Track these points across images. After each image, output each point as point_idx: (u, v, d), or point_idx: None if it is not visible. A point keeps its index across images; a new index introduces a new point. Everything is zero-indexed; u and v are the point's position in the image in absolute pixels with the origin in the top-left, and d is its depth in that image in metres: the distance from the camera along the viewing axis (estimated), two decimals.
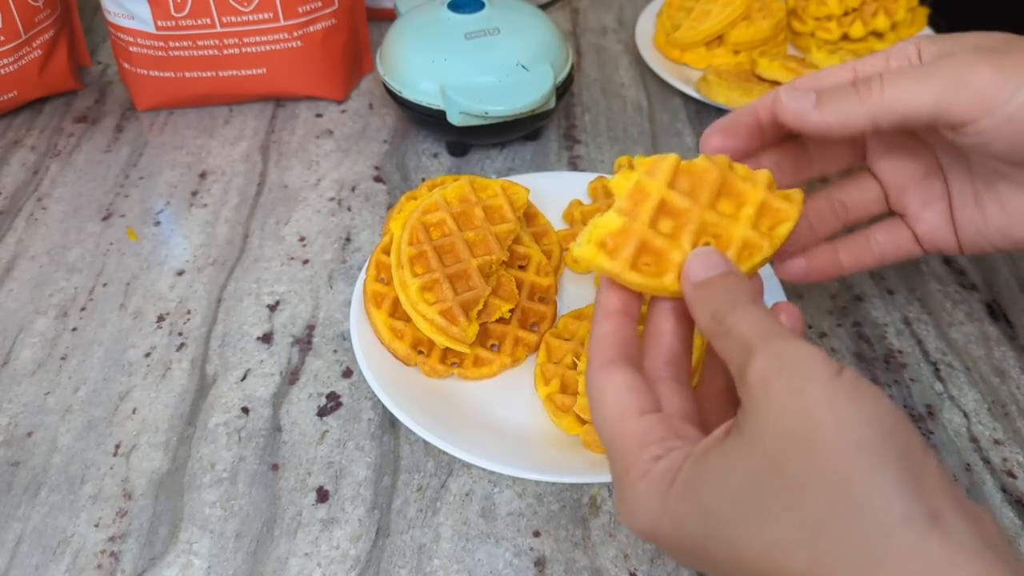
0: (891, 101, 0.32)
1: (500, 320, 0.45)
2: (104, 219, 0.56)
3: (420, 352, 0.44)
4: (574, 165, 0.60)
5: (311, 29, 0.62)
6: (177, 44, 0.61)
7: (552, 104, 0.57)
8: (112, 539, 0.39)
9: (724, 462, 0.25)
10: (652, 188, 0.31)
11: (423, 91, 0.57)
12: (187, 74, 0.63)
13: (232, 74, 0.63)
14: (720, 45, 0.68)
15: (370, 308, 0.45)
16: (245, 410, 0.44)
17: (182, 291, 0.51)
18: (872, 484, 0.22)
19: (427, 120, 0.58)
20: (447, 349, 0.44)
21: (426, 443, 0.42)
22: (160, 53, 0.61)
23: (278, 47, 0.62)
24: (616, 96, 0.67)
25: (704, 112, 0.65)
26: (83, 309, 0.50)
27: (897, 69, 0.33)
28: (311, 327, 0.48)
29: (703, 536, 0.25)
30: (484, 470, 0.41)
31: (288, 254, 0.53)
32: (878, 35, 0.69)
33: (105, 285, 0.51)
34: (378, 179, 0.59)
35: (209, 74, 0.63)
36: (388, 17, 0.73)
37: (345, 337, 0.48)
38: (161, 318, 0.49)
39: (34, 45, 0.62)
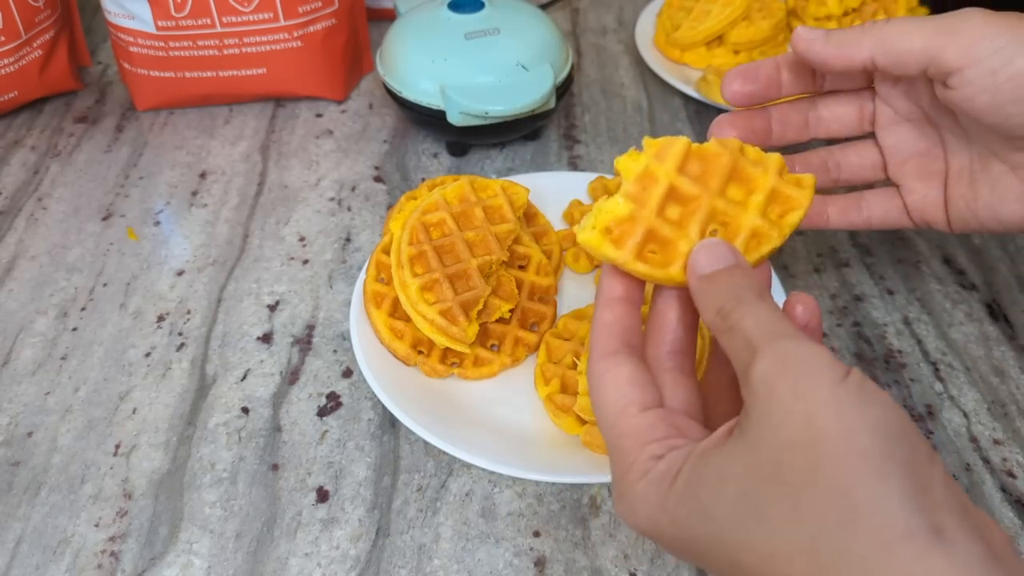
0: (887, 37, 0.34)
1: (500, 320, 0.45)
2: (104, 219, 0.56)
3: (420, 352, 0.44)
4: (574, 165, 0.60)
5: (311, 29, 0.62)
6: (177, 44, 0.61)
7: (552, 104, 0.57)
8: (112, 539, 0.39)
9: (725, 465, 0.24)
10: (661, 173, 0.30)
11: (423, 91, 0.57)
12: (187, 74, 0.63)
13: (232, 74, 0.63)
14: (720, 45, 0.68)
15: (370, 308, 0.45)
16: (245, 410, 0.44)
17: (182, 291, 0.51)
18: (874, 496, 0.21)
19: (427, 120, 0.58)
20: (447, 349, 0.44)
21: (426, 443, 0.42)
22: (160, 53, 0.61)
23: (278, 47, 0.62)
24: (616, 96, 0.67)
25: (704, 112, 0.65)
26: (83, 309, 0.50)
27: (900, 18, 0.36)
28: (311, 327, 0.48)
29: (702, 538, 0.24)
30: (484, 470, 0.41)
31: (288, 254, 0.53)
32: None
33: (105, 285, 0.51)
34: (378, 179, 0.59)
35: (209, 74, 0.63)
36: (388, 17, 0.73)
37: (345, 337, 0.48)
38: (161, 318, 0.49)
39: (34, 45, 0.62)
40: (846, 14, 0.69)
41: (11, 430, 0.43)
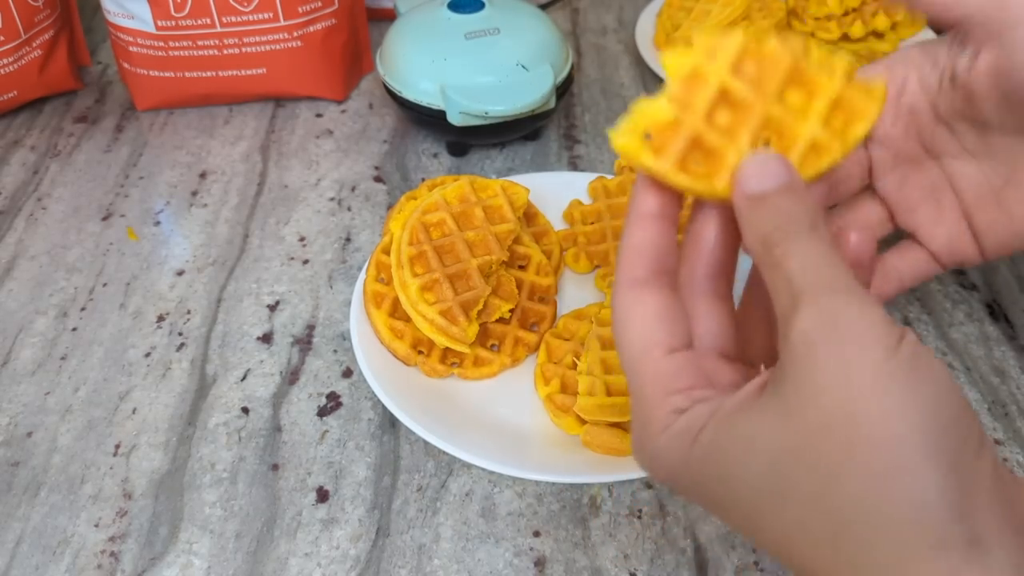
0: None
1: (500, 320, 0.45)
2: (104, 219, 0.56)
3: (420, 352, 0.44)
4: (574, 165, 0.60)
5: (311, 29, 0.62)
6: (177, 44, 0.61)
7: (552, 104, 0.57)
8: (112, 539, 0.39)
9: (752, 431, 0.22)
10: (712, 74, 0.26)
11: (423, 91, 0.57)
12: (187, 74, 0.63)
13: (232, 74, 0.63)
14: None
15: (370, 308, 0.45)
16: (245, 410, 0.44)
17: (182, 291, 0.51)
18: (910, 494, 0.19)
19: (427, 120, 0.58)
20: (447, 349, 0.44)
21: (426, 443, 0.42)
22: (160, 53, 0.61)
23: (278, 47, 0.62)
24: (616, 96, 0.67)
25: None
26: (83, 309, 0.50)
27: None
28: (311, 327, 0.48)
29: (722, 501, 0.23)
30: (484, 470, 0.41)
31: (288, 254, 0.53)
32: (878, 35, 0.69)
33: (105, 285, 0.51)
34: (378, 179, 0.59)
35: (209, 74, 0.63)
36: (388, 17, 0.73)
37: (345, 337, 0.48)
38: (161, 318, 0.49)
39: (34, 45, 0.62)
40: (846, 14, 0.69)
41: (11, 430, 0.43)
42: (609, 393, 0.40)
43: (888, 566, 0.19)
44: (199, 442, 0.43)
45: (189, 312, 0.49)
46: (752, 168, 0.25)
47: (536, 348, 0.45)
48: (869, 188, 0.37)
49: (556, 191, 0.54)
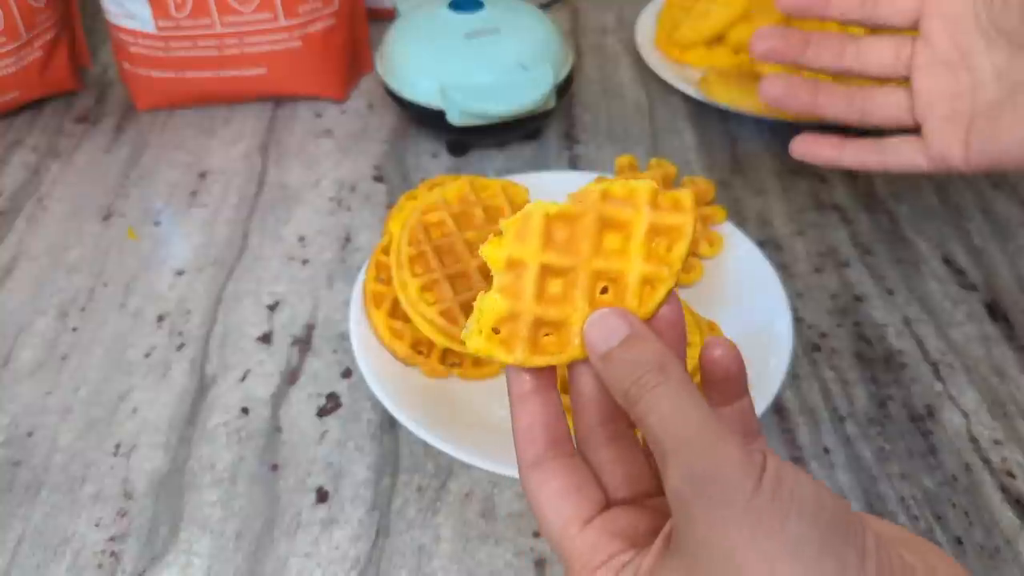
0: None
1: None
2: (104, 219, 0.56)
3: (420, 352, 0.44)
4: (574, 165, 0.60)
5: (311, 29, 0.62)
6: (177, 44, 0.61)
7: (552, 104, 0.57)
8: (112, 539, 0.39)
9: None
10: (527, 255, 0.27)
11: (423, 91, 0.57)
12: (187, 74, 0.63)
13: (232, 74, 0.63)
14: (720, 45, 0.68)
15: (370, 308, 0.45)
16: (245, 410, 0.44)
17: (182, 291, 0.51)
18: None
19: (427, 120, 0.58)
20: (447, 349, 0.44)
21: (426, 443, 0.42)
22: (160, 53, 0.62)
23: (278, 47, 0.62)
24: (616, 96, 0.67)
25: (704, 112, 0.65)
26: (83, 309, 0.50)
27: None
28: (311, 327, 0.48)
29: None
30: (484, 471, 0.41)
31: (288, 254, 0.53)
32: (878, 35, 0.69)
33: (105, 285, 0.51)
34: (378, 179, 0.59)
35: (209, 74, 0.63)
36: (388, 17, 0.73)
37: (345, 337, 0.48)
38: (161, 318, 0.49)
39: (35, 46, 0.62)
40: None
41: (11, 430, 0.43)
42: None
43: None
44: (199, 442, 0.43)
45: (189, 312, 0.49)
46: (594, 330, 0.26)
47: None
48: (907, 79, 0.43)
49: (556, 191, 0.53)
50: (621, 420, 0.28)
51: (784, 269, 0.51)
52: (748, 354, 0.42)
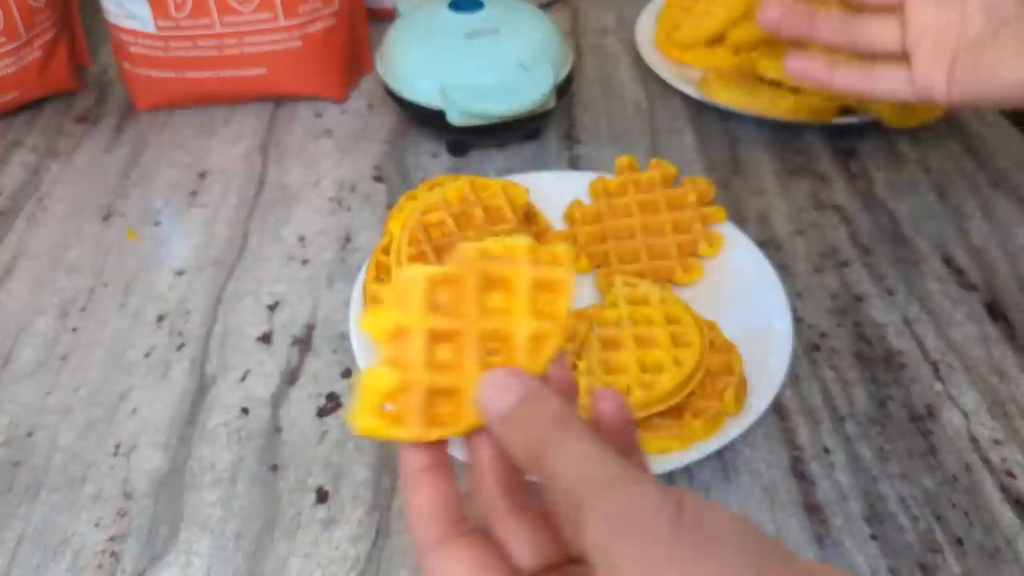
0: None
1: None
2: (104, 219, 0.56)
3: None
4: (574, 165, 0.60)
5: (311, 29, 0.62)
6: (177, 44, 0.61)
7: (552, 104, 0.57)
8: (112, 539, 0.39)
9: None
10: (412, 322, 0.26)
11: (423, 91, 0.57)
12: (187, 74, 0.63)
13: (232, 74, 0.63)
14: (720, 45, 0.68)
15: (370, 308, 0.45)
16: (245, 410, 0.44)
17: (182, 291, 0.51)
18: None
19: (427, 120, 0.58)
20: None
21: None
22: (160, 53, 0.62)
23: (278, 47, 0.62)
24: (616, 96, 0.67)
25: (704, 112, 0.65)
26: (83, 309, 0.50)
27: None
28: (311, 327, 0.48)
29: None
30: None
31: (288, 254, 0.53)
32: None
33: (105, 285, 0.51)
34: (378, 179, 0.59)
35: (209, 74, 0.63)
36: (388, 17, 0.73)
37: (345, 337, 0.48)
38: (161, 318, 0.49)
39: (35, 46, 0.62)
40: None
41: (11, 430, 0.43)
42: None
43: None
44: (199, 442, 0.43)
45: (189, 312, 0.49)
46: (487, 391, 0.25)
47: None
48: (901, 9, 0.45)
49: (556, 191, 0.54)
50: (521, 489, 0.27)
51: (784, 269, 0.51)
52: (748, 354, 0.43)
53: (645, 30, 0.72)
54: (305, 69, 0.63)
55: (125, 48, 0.62)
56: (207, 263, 0.53)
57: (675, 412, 0.41)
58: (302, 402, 0.44)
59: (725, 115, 0.64)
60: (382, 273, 0.46)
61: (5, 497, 0.40)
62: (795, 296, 0.49)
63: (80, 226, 0.56)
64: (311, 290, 0.51)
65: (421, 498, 0.26)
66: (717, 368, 0.42)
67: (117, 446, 0.43)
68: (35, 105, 0.66)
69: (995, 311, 0.49)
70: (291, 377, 0.46)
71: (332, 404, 0.44)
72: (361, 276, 0.47)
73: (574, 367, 0.43)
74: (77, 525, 0.39)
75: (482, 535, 0.26)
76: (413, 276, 0.27)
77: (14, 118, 0.65)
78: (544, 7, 0.76)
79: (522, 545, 0.26)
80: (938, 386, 0.45)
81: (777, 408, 0.44)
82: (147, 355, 0.47)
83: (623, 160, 0.55)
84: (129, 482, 0.41)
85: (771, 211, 0.56)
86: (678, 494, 0.21)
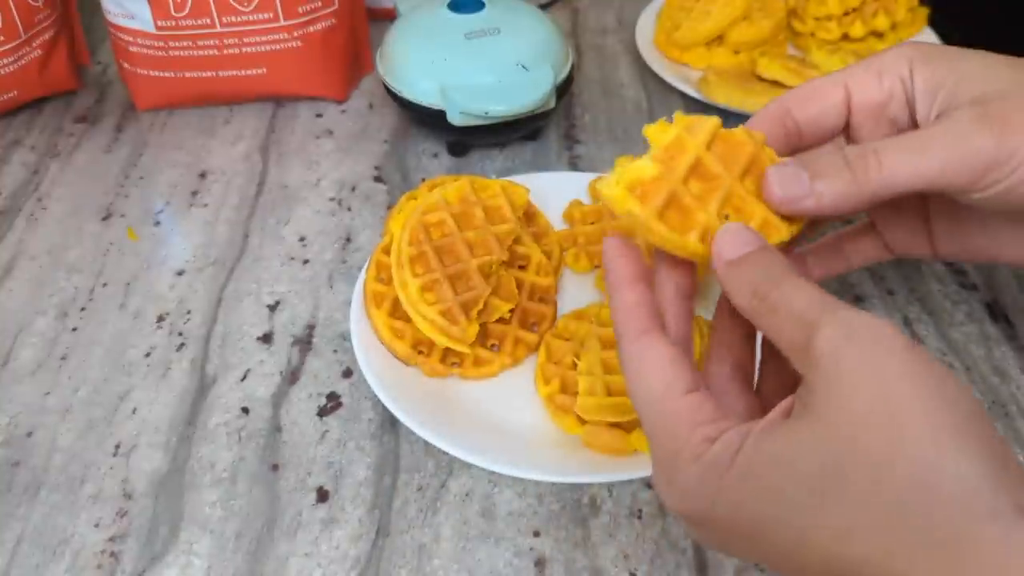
0: (889, 182, 0.30)
1: (500, 320, 0.45)
2: (104, 219, 0.56)
3: (420, 352, 0.44)
4: (574, 165, 0.60)
5: (311, 29, 0.62)
6: (177, 44, 0.61)
7: (552, 104, 0.57)
8: (112, 539, 0.39)
9: (792, 442, 0.23)
10: (690, 145, 0.30)
11: (423, 91, 0.57)
12: (187, 74, 0.63)
13: (232, 74, 0.63)
14: (720, 45, 0.68)
15: (370, 308, 0.45)
16: (245, 410, 0.44)
17: (182, 291, 0.51)
18: (957, 473, 0.21)
19: (427, 120, 0.58)
20: (447, 349, 0.44)
21: (426, 443, 0.42)
22: (160, 53, 0.61)
23: (278, 47, 0.62)
24: (616, 96, 0.67)
25: (704, 112, 0.65)
26: (83, 309, 0.50)
27: (893, 141, 0.31)
28: (311, 327, 0.48)
29: (766, 520, 0.23)
30: (484, 470, 0.41)
31: (288, 254, 0.53)
32: (878, 35, 0.69)
33: (105, 285, 0.51)
34: (378, 179, 0.59)
35: (209, 74, 0.63)
36: (388, 17, 0.73)
37: (345, 337, 0.48)
38: (161, 318, 0.49)
39: (34, 45, 0.62)
40: (846, 14, 0.69)
41: (11, 430, 0.43)
42: (609, 393, 0.40)
43: (947, 541, 0.20)
44: (199, 442, 0.43)
45: (189, 312, 0.49)
46: (727, 238, 0.28)
47: (536, 348, 0.45)
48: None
49: (556, 191, 0.54)
50: (691, 346, 0.30)
51: None
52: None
53: (645, 30, 0.72)
54: (305, 69, 0.63)
55: (125, 48, 0.62)
56: (207, 263, 0.53)
57: None
58: (302, 402, 0.44)
59: (725, 115, 0.64)
60: (383, 273, 0.46)
61: (4, 497, 0.40)
62: None
63: (80, 226, 0.56)
64: (311, 290, 0.51)
65: (630, 298, 0.29)
66: None
67: (117, 446, 0.43)
68: (35, 105, 0.66)
69: (995, 311, 0.49)
70: (291, 377, 0.46)
71: (332, 404, 0.44)
72: (361, 276, 0.47)
73: (573, 366, 0.43)
74: (77, 525, 0.39)
75: (678, 347, 0.28)
76: (709, 118, 0.31)
77: (13, 118, 0.65)
78: (544, 7, 0.76)
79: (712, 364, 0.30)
80: None
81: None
82: (147, 355, 0.47)
83: (623, 160, 0.55)
84: (129, 482, 0.41)
85: None
86: (910, 338, 0.23)
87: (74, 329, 0.49)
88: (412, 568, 0.37)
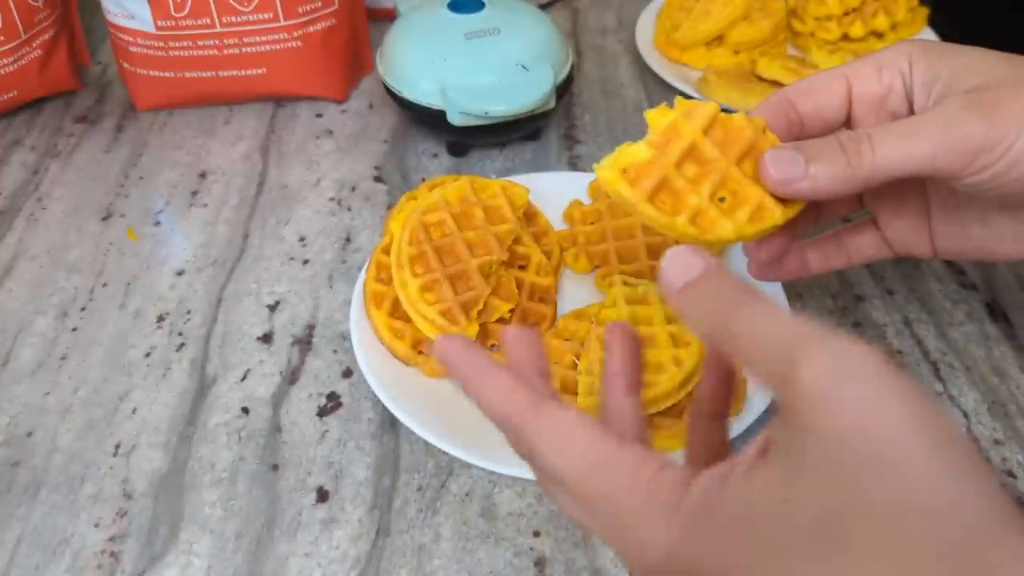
0: (882, 165, 0.31)
1: (500, 320, 0.45)
2: (104, 219, 0.56)
3: (420, 352, 0.44)
4: (574, 165, 0.60)
5: (311, 29, 0.62)
6: (177, 44, 0.61)
7: (552, 104, 0.57)
8: (112, 539, 0.39)
9: (787, 482, 0.21)
10: (686, 130, 0.31)
11: (423, 91, 0.57)
12: (187, 74, 0.63)
13: (232, 74, 0.63)
14: (720, 45, 0.68)
15: (370, 308, 0.45)
16: (245, 410, 0.44)
17: (182, 291, 0.51)
18: (976, 497, 0.19)
19: (427, 120, 0.58)
20: None
21: (426, 443, 0.42)
22: (160, 53, 0.61)
23: (278, 47, 0.62)
24: (616, 96, 0.67)
25: None
26: (83, 309, 0.50)
27: (886, 127, 0.32)
28: (311, 327, 0.48)
29: (766, 569, 0.21)
30: (484, 470, 0.41)
31: (288, 254, 0.53)
32: (878, 35, 0.69)
33: (105, 285, 0.51)
34: (378, 179, 0.59)
35: (209, 74, 0.63)
36: (388, 17, 0.73)
37: (345, 337, 0.48)
38: (161, 318, 0.49)
39: (34, 45, 0.62)
40: (846, 14, 0.69)
41: (11, 430, 0.43)
42: None
43: (966, 567, 0.19)
44: (199, 442, 0.43)
45: (189, 312, 0.49)
46: (674, 262, 0.26)
47: None
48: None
49: (556, 191, 0.54)
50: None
51: None
52: None
53: (645, 30, 0.72)
54: (305, 69, 0.63)
55: (125, 48, 0.62)
56: (207, 263, 0.53)
57: (675, 411, 0.41)
58: (302, 402, 0.44)
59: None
60: (382, 273, 0.46)
61: (4, 497, 0.40)
62: (795, 296, 0.49)
63: (80, 226, 0.56)
64: (311, 290, 0.51)
65: (505, 380, 0.26)
66: None
67: (117, 446, 0.43)
68: (35, 105, 0.66)
69: (995, 311, 0.49)
70: (291, 377, 0.46)
71: (332, 404, 0.44)
72: (361, 276, 0.47)
73: (573, 366, 0.43)
74: (77, 525, 0.39)
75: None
76: (708, 104, 0.32)
77: (13, 118, 0.65)
78: (544, 7, 0.76)
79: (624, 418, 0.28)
80: (938, 386, 0.45)
81: (777, 408, 0.44)
82: (147, 355, 0.47)
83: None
84: (129, 482, 0.41)
85: None
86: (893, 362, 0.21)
87: (74, 329, 0.49)
88: (412, 568, 0.37)
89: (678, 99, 0.32)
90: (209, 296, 0.50)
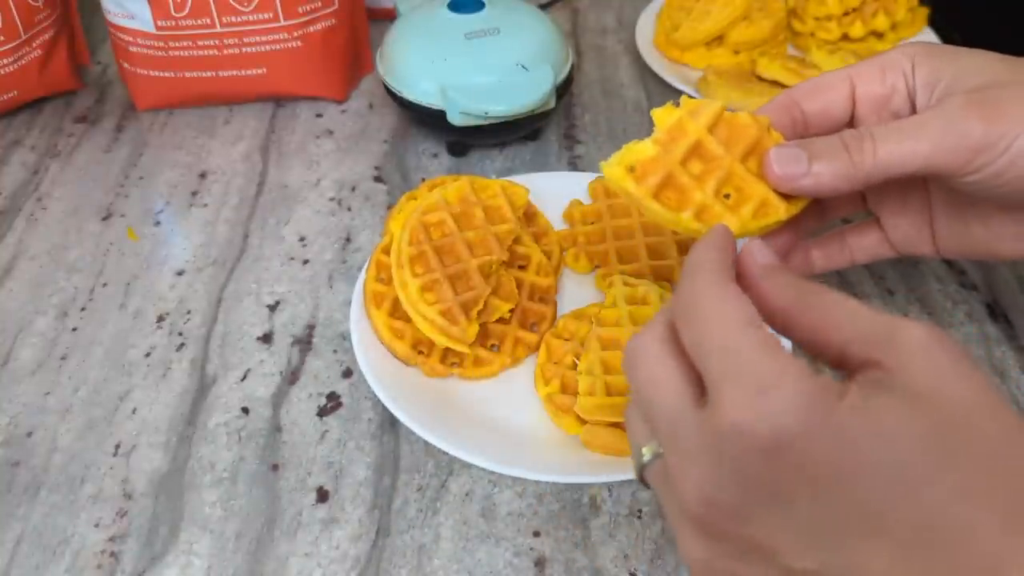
0: (884, 163, 0.32)
1: (500, 320, 0.45)
2: (104, 219, 0.56)
3: (420, 352, 0.44)
4: (574, 165, 0.60)
5: (311, 29, 0.62)
6: (177, 44, 0.61)
7: (552, 104, 0.57)
8: (112, 539, 0.39)
9: (904, 403, 0.23)
10: (692, 128, 0.32)
11: (423, 91, 0.57)
12: (187, 74, 0.63)
13: (232, 74, 0.63)
14: (720, 45, 0.68)
15: (370, 308, 0.45)
16: (245, 410, 0.44)
17: (182, 291, 0.51)
18: None
19: (427, 120, 0.58)
20: (447, 349, 0.44)
21: (426, 443, 0.42)
22: (160, 53, 0.61)
23: (278, 47, 0.62)
24: (616, 96, 0.67)
25: None
26: (83, 309, 0.50)
27: (888, 126, 0.33)
28: (311, 327, 0.48)
29: (875, 465, 0.22)
30: (484, 470, 0.41)
31: (288, 254, 0.53)
32: (878, 35, 0.69)
33: (105, 285, 0.51)
34: (378, 179, 0.59)
35: (209, 74, 0.63)
36: (388, 17, 0.73)
37: (345, 337, 0.48)
38: (161, 318, 0.49)
39: (34, 45, 0.62)
40: (846, 14, 0.69)
41: (11, 430, 0.43)
42: (609, 393, 0.40)
43: None
44: (199, 442, 0.43)
45: (189, 312, 0.49)
46: (756, 245, 0.28)
47: (536, 348, 0.45)
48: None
49: (556, 191, 0.54)
50: None
51: None
52: None
53: (645, 30, 0.72)
54: (305, 69, 0.63)
55: (125, 48, 0.62)
56: (207, 263, 0.53)
57: None
58: (302, 402, 0.44)
59: None
60: (382, 273, 0.46)
61: (4, 497, 0.40)
62: None
63: (80, 226, 0.56)
64: (311, 290, 0.51)
65: (715, 254, 0.27)
66: None
67: (117, 446, 0.43)
68: (35, 105, 0.66)
69: (995, 311, 0.49)
70: (291, 377, 0.46)
71: (332, 404, 0.44)
72: (361, 276, 0.47)
73: (573, 366, 0.43)
74: (77, 525, 0.39)
75: None
76: (714, 102, 0.33)
77: (13, 118, 0.65)
78: (544, 7, 0.76)
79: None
80: None
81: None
82: (147, 355, 0.47)
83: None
84: (129, 482, 0.41)
85: None
86: None
87: (74, 329, 0.49)
88: (412, 568, 0.37)
89: (683, 98, 0.33)
90: (209, 296, 0.50)
